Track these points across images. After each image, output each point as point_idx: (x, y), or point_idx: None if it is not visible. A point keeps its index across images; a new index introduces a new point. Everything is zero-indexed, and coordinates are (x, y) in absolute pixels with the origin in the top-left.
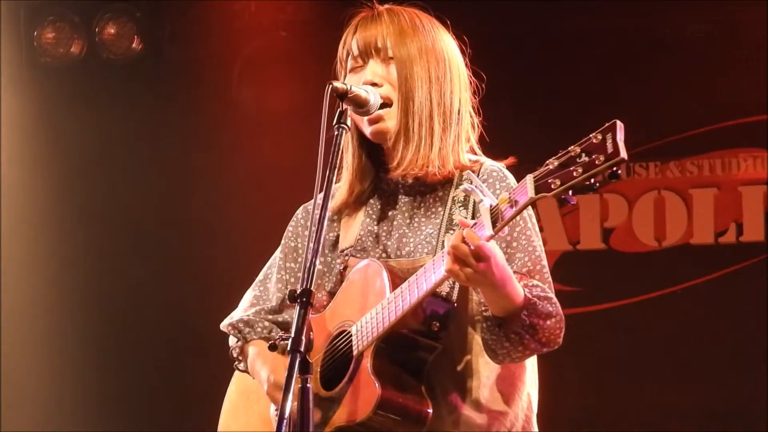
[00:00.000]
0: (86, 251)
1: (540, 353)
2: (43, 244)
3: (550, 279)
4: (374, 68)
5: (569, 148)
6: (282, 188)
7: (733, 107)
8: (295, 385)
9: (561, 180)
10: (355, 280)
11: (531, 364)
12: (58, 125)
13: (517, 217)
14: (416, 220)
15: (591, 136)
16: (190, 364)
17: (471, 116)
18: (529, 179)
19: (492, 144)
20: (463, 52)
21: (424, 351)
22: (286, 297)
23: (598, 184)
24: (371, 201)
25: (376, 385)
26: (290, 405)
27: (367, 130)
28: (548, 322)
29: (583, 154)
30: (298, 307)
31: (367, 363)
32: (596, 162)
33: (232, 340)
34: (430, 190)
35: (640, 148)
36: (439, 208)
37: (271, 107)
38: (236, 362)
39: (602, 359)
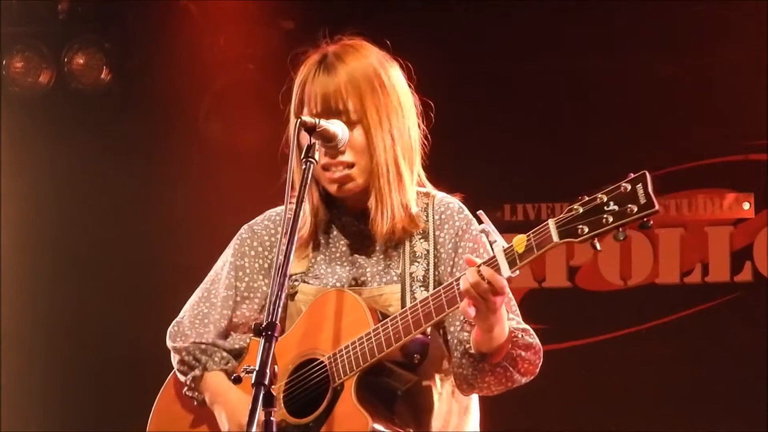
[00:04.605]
0: (56, 276)
1: (517, 385)
2: (14, 273)
3: (519, 312)
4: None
5: (595, 195)
6: (250, 220)
7: (699, 148)
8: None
9: (589, 227)
10: (324, 310)
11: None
12: (26, 154)
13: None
14: (373, 250)
15: (619, 185)
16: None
17: (422, 148)
18: (552, 223)
19: (462, 186)
20: (410, 78)
21: (400, 382)
22: (252, 329)
23: (625, 235)
24: (325, 227)
25: (366, 415)
26: None
27: (332, 188)
28: (528, 353)
29: (612, 203)
30: (262, 341)
31: (350, 393)
32: (628, 212)
33: (182, 365)
34: None
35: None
36: (399, 239)
37: (239, 140)
38: (188, 389)
39: (567, 397)
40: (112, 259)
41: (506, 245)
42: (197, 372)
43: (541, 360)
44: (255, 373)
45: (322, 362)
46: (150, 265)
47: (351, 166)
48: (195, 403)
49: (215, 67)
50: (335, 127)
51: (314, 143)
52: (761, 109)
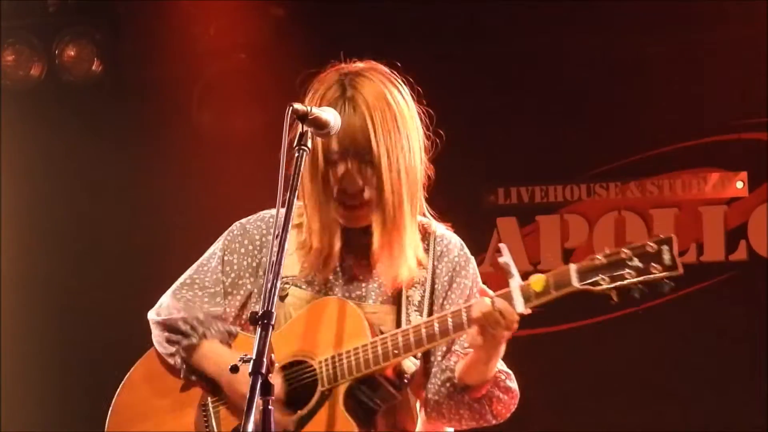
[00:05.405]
0: (50, 271)
1: (486, 425)
2: (9, 267)
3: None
4: (361, 170)
5: (619, 250)
6: (242, 210)
7: (692, 128)
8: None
9: (611, 279)
10: (322, 316)
11: None
12: (19, 147)
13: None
14: (368, 266)
15: (645, 244)
16: None
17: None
18: (573, 268)
19: (447, 168)
20: (418, 100)
21: (385, 399)
22: (248, 319)
23: (641, 294)
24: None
25: (353, 423)
26: (251, 426)
27: (342, 218)
28: (506, 397)
29: (636, 259)
30: (259, 329)
31: (339, 399)
32: (652, 270)
33: (175, 334)
34: None
35: (600, 169)
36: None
37: (231, 129)
38: (178, 357)
39: (562, 380)
40: (107, 251)
41: (522, 282)
42: (194, 339)
43: (515, 407)
44: (252, 362)
45: (311, 365)
46: (145, 257)
47: (369, 203)
48: (182, 375)
49: (206, 57)
50: (327, 114)
51: (307, 131)
52: (756, 87)
